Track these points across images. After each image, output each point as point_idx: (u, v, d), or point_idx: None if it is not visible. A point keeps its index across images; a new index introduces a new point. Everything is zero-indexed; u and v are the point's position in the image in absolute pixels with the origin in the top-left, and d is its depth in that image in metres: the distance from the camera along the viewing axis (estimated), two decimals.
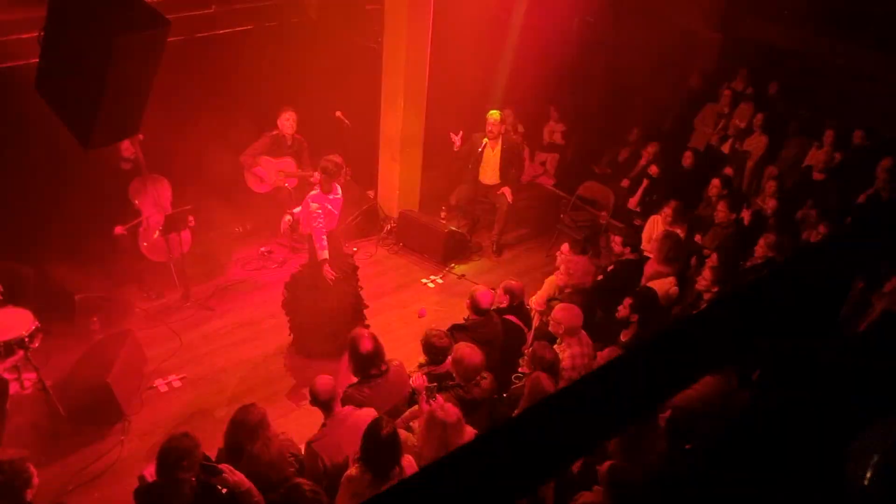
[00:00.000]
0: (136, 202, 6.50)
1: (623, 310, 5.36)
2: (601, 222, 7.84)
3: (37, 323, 5.08)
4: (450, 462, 0.98)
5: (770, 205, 7.06)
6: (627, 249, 6.32)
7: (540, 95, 9.40)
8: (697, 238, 6.84)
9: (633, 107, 9.49)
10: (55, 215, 6.34)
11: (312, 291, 6.01)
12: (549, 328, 5.25)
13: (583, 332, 5.19)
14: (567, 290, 6.02)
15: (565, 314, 5.15)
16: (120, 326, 6.13)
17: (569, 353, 5.02)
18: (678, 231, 6.42)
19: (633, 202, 8.04)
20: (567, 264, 6.09)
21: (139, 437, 5.35)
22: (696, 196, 7.57)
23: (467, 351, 4.59)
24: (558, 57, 9.18)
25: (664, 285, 5.85)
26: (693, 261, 6.51)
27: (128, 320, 6.38)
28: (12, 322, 5.04)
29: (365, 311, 6.47)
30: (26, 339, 4.97)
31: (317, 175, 5.98)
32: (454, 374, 4.60)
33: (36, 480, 3.68)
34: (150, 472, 3.91)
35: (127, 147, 6.34)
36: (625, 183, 8.37)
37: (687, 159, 7.95)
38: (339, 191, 5.94)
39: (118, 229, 6.38)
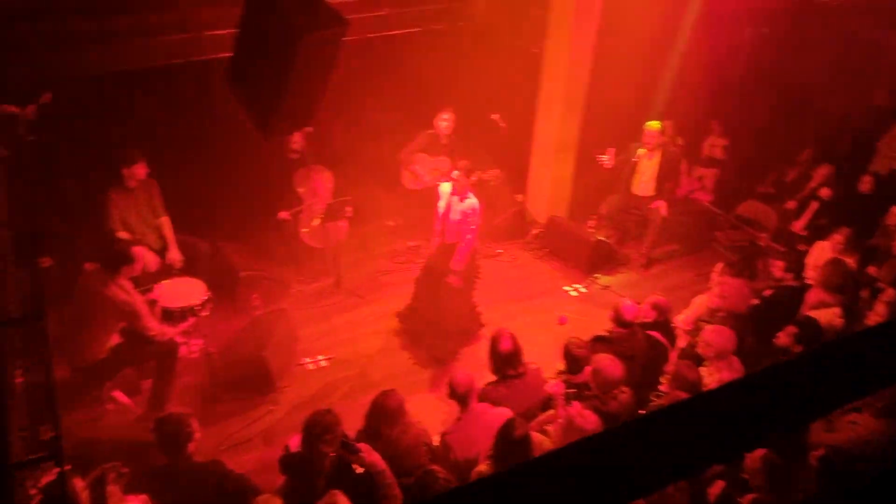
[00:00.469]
0: (300, 190, 6.93)
1: (785, 338, 5.05)
2: (760, 244, 7.42)
3: (208, 294, 5.55)
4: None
5: None
6: (790, 276, 5.95)
7: (703, 108, 9.03)
8: (871, 270, 6.31)
9: (805, 124, 8.89)
10: (229, 197, 6.91)
11: (436, 287, 6.23)
12: (698, 349, 5.05)
13: (734, 357, 4.95)
14: (719, 314, 5.75)
15: (717, 337, 4.93)
16: (277, 305, 6.56)
17: (717, 378, 4.81)
18: (849, 260, 5.96)
19: (798, 226, 7.54)
20: (721, 286, 5.83)
21: (287, 410, 5.70)
22: (872, 224, 6.98)
23: (607, 362, 4.53)
24: (726, 69, 8.77)
25: (827, 315, 5.45)
26: (865, 293, 6.02)
27: (284, 300, 6.81)
28: (188, 290, 5.56)
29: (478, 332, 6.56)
30: (198, 308, 5.45)
31: (462, 177, 6.07)
32: (592, 385, 4.55)
33: (197, 436, 4.04)
34: (294, 443, 4.17)
35: (296, 139, 6.78)
36: (790, 205, 7.87)
37: (865, 184, 7.35)
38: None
39: (282, 214, 6.84)
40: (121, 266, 4.94)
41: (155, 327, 5.11)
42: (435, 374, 6.17)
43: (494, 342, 4.71)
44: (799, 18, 9.03)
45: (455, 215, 6.08)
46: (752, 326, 5.65)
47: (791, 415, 1.13)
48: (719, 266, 6.30)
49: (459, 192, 6.03)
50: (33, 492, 2.64)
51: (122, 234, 5.90)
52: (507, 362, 4.68)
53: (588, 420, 3.99)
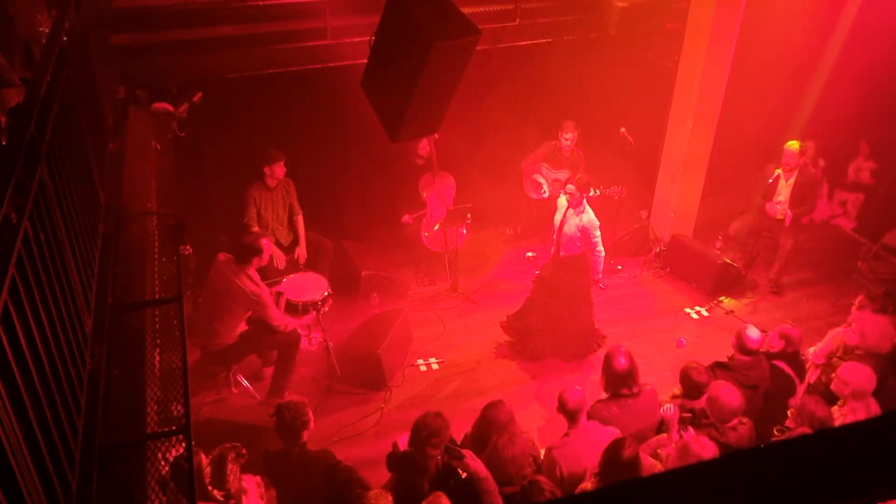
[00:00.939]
0: (424, 195, 7.08)
1: None
2: None
3: (329, 290, 5.78)
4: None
5: None
6: None
7: (850, 128, 8.46)
8: None
9: None
10: (355, 198, 7.16)
11: (547, 297, 6.23)
12: (832, 387, 4.72)
13: (872, 399, 4.60)
14: (857, 352, 5.35)
15: (855, 375, 4.59)
16: (395, 305, 6.73)
17: (851, 419, 4.48)
18: None
19: None
20: (861, 322, 5.41)
21: (397, 408, 5.83)
22: None
23: (725, 391, 4.33)
24: (880, 87, 8.18)
25: None
26: None
27: (402, 300, 6.98)
28: (311, 286, 5.81)
29: (602, 339, 6.51)
30: (320, 303, 5.69)
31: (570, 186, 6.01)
32: (708, 413, 4.36)
33: (312, 424, 4.20)
34: (402, 442, 4.26)
35: (423, 145, 6.94)
36: None
37: None
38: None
39: (406, 218, 7.02)
40: (251, 257, 5.23)
41: (278, 318, 5.37)
42: (544, 387, 6.11)
43: (609, 359, 4.61)
44: None
45: (570, 229, 6.02)
46: (894, 368, 5.23)
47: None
48: (860, 299, 5.85)
49: (574, 206, 5.96)
50: (163, 463, 2.85)
51: (256, 229, 6.26)
52: (621, 381, 4.57)
53: (706, 448, 3.82)
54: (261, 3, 6.00)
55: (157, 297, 3.46)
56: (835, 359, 5.31)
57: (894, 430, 1.07)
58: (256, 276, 5.30)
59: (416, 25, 3.76)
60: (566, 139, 7.22)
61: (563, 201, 6.10)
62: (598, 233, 6.06)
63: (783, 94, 8.20)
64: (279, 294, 5.63)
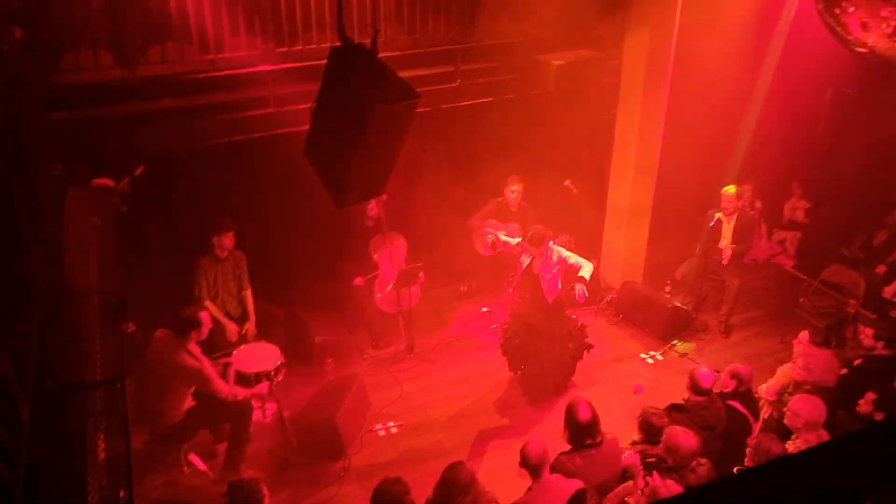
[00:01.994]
0: (375, 257, 7.07)
1: (865, 406, 4.75)
2: (849, 311, 7.06)
3: (282, 358, 5.67)
4: None
5: None
6: (881, 344, 5.62)
7: (783, 170, 8.82)
8: None
9: (893, 186, 8.55)
10: (305, 264, 7.11)
11: (528, 336, 6.35)
12: (785, 421, 4.80)
13: (823, 431, 4.67)
14: (805, 387, 5.46)
15: (806, 406, 4.68)
16: (350, 369, 6.63)
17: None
18: None
19: (889, 291, 7.17)
20: (806, 358, 5.55)
21: (357, 476, 5.68)
22: None
23: (682, 437, 4.34)
24: (806, 130, 8.58)
25: None
26: None
27: (357, 365, 6.89)
28: (263, 356, 5.68)
29: (568, 381, 6.64)
30: (272, 373, 5.56)
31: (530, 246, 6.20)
32: (666, 457, 4.37)
33: (268, 501, 4.06)
34: None
35: (372, 206, 6.97)
36: (880, 269, 7.52)
37: None
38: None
39: (357, 281, 6.98)
40: (189, 331, 5.10)
41: (225, 390, 5.23)
42: (506, 442, 6.05)
43: (571, 411, 4.58)
44: (881, 78, 8.79)
45: (548, 274, 6.19)
46: (842, 399, 5.34)
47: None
48: (804, 335, 6.01)
49: (535, 258, 6.13)
50: None
51: (208, 303, 6.14)
52: (585, 432, 4.55)
53: (673, 492, 3.81)
54: (201, 76, 6.03)
55: (98, 378, 3.35)
56: (786, 394, 5.41)
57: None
58: (197, 350, 5.16)
59: (355, 91, 3.82)
60: (512, 192, 7.36)
61: (525, 259, 6.28)
62: (570, 256, 6.18)
63: (717, 141, 8.53)
64: (227, 365, 5.50)
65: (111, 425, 3.19)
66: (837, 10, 5.03)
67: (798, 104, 8.50)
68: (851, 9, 4.71)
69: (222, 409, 5.30)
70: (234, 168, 6.55)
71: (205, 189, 6.50)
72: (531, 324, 6.37)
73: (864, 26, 4.87)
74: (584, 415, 4.51)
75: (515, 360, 6.64)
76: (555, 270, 6.19)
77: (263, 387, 5.59)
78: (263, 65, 6.17)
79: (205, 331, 5.21)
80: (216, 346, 6.03)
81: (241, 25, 6.05)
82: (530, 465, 4.26)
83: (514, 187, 7.36)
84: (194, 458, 5.56)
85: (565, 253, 6.19)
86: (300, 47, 6.27)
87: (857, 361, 5.66)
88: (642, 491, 4.25)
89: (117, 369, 3.23)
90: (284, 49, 6.26)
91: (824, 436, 4.65)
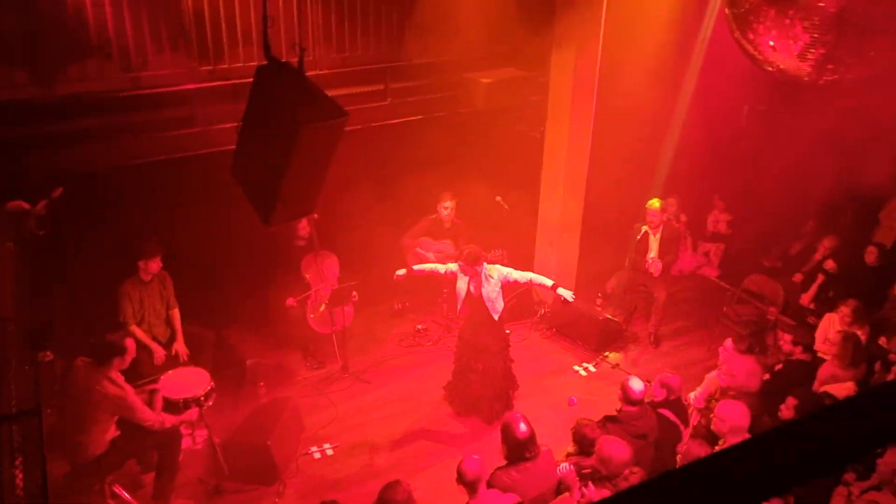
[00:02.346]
0: (307, 276, 6.98)
1: (787, 411, 4.94)
2: (769, 318, 7.36)
3: (212, 383, 5.52)
4: None
5: None
6: (799, 349, 5.88)
7: (705, 184, 9.16)
8: (882, 341, 6.22)
9: (808, 197, 8.97)
10: (235, 286, 6.97)
11: (478, 361, 6.32)
12: (712, 427, 4.94)
13: (748, 435, 4.83)
14: (731, 393, 5.65)
15: (730, 411, 4.83)
16: (283, 392, 6.50)
17: None
18: (859, 332, 5.89)
19: (806, 299, 7.50)
20: (730, 364, 5.74)
21: (293, 500, 5.56)
22: (880, 295, 6.93)
23: (614, 448, 4.41)
24: (725, 145, 8.94)
25: (842, 391, 5.35)
26: (878, 366, 5.92)
27: (290, 387, 6.76)
28: (192, 381, 5.52)
29: (514, 393, 6.59)
30: (202, 398, 5.41)
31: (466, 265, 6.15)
32: (599, 468, 4.43)
33: None
34: None
35: (303, 226, 6.89)
36: (797, 278, 7.86)
37: (870, 255, 7.35)
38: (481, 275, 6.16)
39: (290, 301, 6.87)
40: (111, 358, 4.91)
41: (150, 418, 5.05)
42: (442, 460, 6.03)
43: (509, 428, 4.59)
44: (794, 95, 9.25)
45: (489, 293, 6.11)
46: (765, 403, 5.54)
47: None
48: (728, 342, 6.24)
49: (473, 277, 6.08)
50: None
51: (133, 328, 5.94)
52: (523, 448, 4.57)
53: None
54: (123, 95, 5.86)
55: (13, 410, 3.19)
56: (713, 401, 5.57)
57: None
58: (119, 378, 4.96)
59: (282, 110, 3.79)
60: (445, 208, 7.40)
61: (462, 283, 6.21)
62: (512, 273, 6.14)
63: (643, 156, 8.80)
64: (153, 392, 5.32)
65: (29, 458, 3.04)
66: (750, 34, 5.27)
67: (717, 121, 8.86)
68: (761, 31, 4.95)
69: (149, 438, 5.11)
70: (160, 188, 6.39)
71: (129, 210, 6.32)
72: (479, 345, 6.34)
73: (774, 47, 5.11)
74: (522, 432, 4.53)
75: (464, 386, 6.55)
76: (498, 288, 6.19)
77: (193, 413, 5.42)
78: (188, 83, 6.06)
79: (128, 358, 5.02)
80: (142, 372, 5.84)
81: (165, 43, 5.93)
82: (467, 482, 4.26)
83: (447, 204, 7.41)
84: (119, 490, 5.33)
85: (505, 270, 6.15)
86: (226, 65, 6.19)
87: (777, 367, 5.89)
88: (578, 502, 4.30)
89: (34, 400, 3.08)
90: (210, 67, 6.16)
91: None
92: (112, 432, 5.04)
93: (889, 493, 4.17)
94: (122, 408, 4.93)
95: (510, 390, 6.66)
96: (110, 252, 6.22)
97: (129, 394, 4.96)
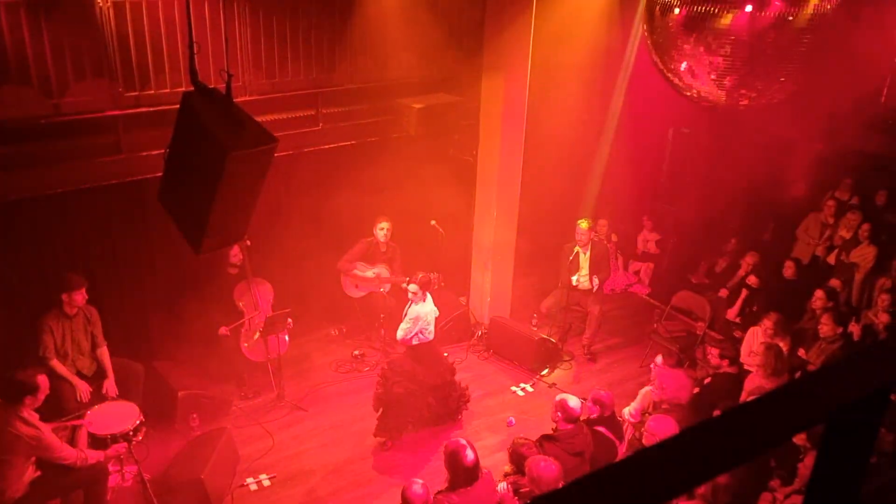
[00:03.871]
0: (241, 304, 6.85)
1: None
2: (697, 333, 7.60)
3: (141, 417, 5.34)
4: None
5: (882, 319, 6.68)
6: (725, 362, 6.07)
7: (634, 205, 9.44)
8: (801, 352, 6.50)
9: (730, 216, 9.35)
10: (165, 316, 6.78)
11: (414, 368, 6.32)
12: (643, 440, 5.06)
13: None
14: (664, 406, 5.80)
15: (660, 426, 4.96)
16: (217, 424, 6.34)
17: None
18: (781, 344, 6.14)
19: (731, 313, 7.78)
20: (661, 378, 5.90)
21: None
22: (800, 308, 7.25)
23: (543, 467, 4.45)
24: (652, 167, 9.26)
25: None
26: (798, 376, 6.17)
27: (225, 418, 6.59)
28: (120, 415, 5.33)
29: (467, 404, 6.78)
30: (131, 433, 5.22)
31: (413, 286, 6.27)
32: (531, 488, 4.48)
33: None
34: None
35: (235, 253, 6.77)
36: (723, 293, 8.15)
37: (788, 270, 7.69)
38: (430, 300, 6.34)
39: (223, 330, 6.72)
40: (23, 397, 4.68)
41: (71, 456, 4.82)
42: (382, 487, 5.98)
43: (456, 455, 4.53)
44: (715, 119, 9.65)
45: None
46: (695, 416, 5.70)
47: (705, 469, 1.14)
48: (659, 358, 6.41)
49: (421, 301, 6.30)
50: None
51: (55, 363, 5.71)
52: (468, 474, 4.55)
53: None
54: (43, 122, 5.68)
55: None
56: (647, 415, 5.70)
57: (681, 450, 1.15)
58: (33, 417, 4.72)
59: (209, 136, 3.74)
60: (381, 230, 7.41)
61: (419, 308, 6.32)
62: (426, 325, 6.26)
63: (573, 178, 9.01)
64: (75, 428, 5.10)
65: None
66: (670, 61, 5.48)
67: (644, 143, 9.16)
68: (678, 58, 5.16)
69: (71, 476, 4.89)
70: (85, 217, 6.19)
71: (52, 241, 6.10)
72: (414, 371, 6.34)
73: (693, 74, 5.33)
74: (469, 460, 4.51)
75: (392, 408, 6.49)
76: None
77: (121, 447, 5.23)
78: (112, 109, 5.91)
79: (41, 395, 4.78)
80: (67, 408, 5.61)
81: (87, 68, 5.78)
82: None
83: (383, 225, 7.41)
84: None
85: (424, 322, 6.37)
86: (152, 91, 6.06)
87: (707, 380, 6.08)
88: None
89: None
90: (135, 93, 6.03)
91: None
92: (31, 474, 4.81)
93: None
94: (38, 448, 4.71)
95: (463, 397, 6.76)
96: (31, 284, 5.99)
97: (45, 433, 4.73)
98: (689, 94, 5.31)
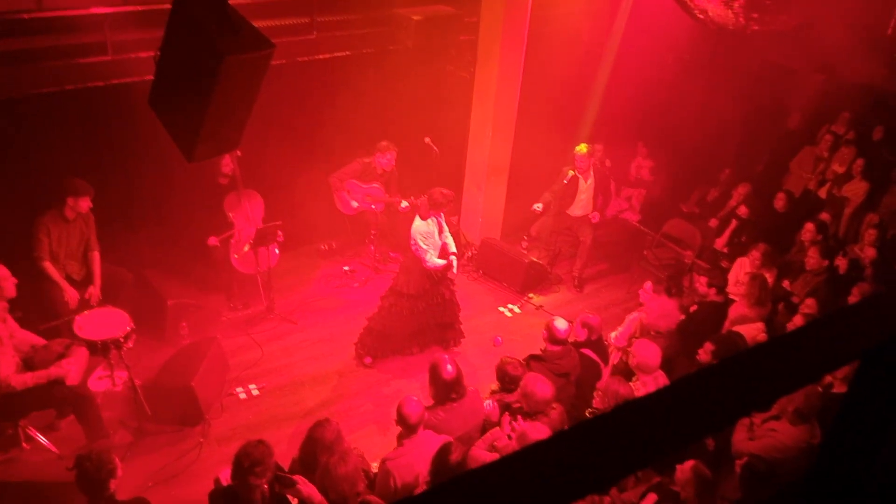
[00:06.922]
0: (231, 215, 6.78)
1: (704, 355, 5.19)
2: (686, 262, 7.65)
3: (131, 324, 5.35)
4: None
5: (868, 254, 6.73)
6: (712, 291, 6.14)
7: (629, 131, 9.32)
8: (786, 284, 6.58)
9: (725, 146, 9.28)
10: (156, 224, 6.71)
11: (410, 299, 6.25)
12: (630, 363, 5.17)
13: (660, 372, 5.06)
14: (652, 332, 5.88)
15: (641, 351, 5.06)
16: (207, 333, 6.37)
17: (642, 392, 4.90)
18: (767, 275, 6.20)
19: (720, 243, 7.82)
20: (648, 305, 5.97)
21: (217, 441, 5.53)
22: (788, 240, 7.30)
23: (537, 382, 4.55)
24: (650, 93, 9.09)
25: (752, 331, 5.64)
26: (780, 307, 6.26)
27: (214, 328, 6.63)
28: (110, 322, 5.33)
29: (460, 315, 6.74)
30: (121, 339, 5.24)
31: (416, 201, 6.14)
32: (523, 404, 4.57)
33: (120, 472, 3.86)
34: (225, 476, 4.03)
35: (226, 163, 6.65)
36: (713, 223, 8.17)
37: (779, 202, 7.69)
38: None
39: (212, 240, 6.67)
40: None
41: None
42: (369, 399, 6.10)
43: (436, 370, 4.64)
44: (717, 46, 9.44)
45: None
46: (681, 343, 5.80)
47: (705, 421, 1.14)
48: (648, 284, 6.47)
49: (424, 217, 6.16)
50: None
51: (46, 264, 5.65)
52: (450, 388, 4.65)
53: (542, 434, 3.99)
54: (26, 17, 5.43)
55: None
56: (633, 340, 5.79)
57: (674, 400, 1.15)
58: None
59: (204, 40, 3.58)
60: (386, 157, 7.30)
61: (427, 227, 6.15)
62: (421, 242, 6.07)
63: (571, 102, 8.85)
64: (69, 344, 5.11)
65: None
66: None
67: (643, 69, 8.96)
68: None
69: (57, 390, 4.93)
70: (70, 120, 6.01)
71: (36, 143, 5.93)
72: (413, 293, 6.27)
73: None
74: (448, 373, 4.60)
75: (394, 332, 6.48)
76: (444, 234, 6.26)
77: (112, 354, 5.25)
78: (98, 7, 5.65)
79: (7, 286, 4.78)
80: (56, 311, 5.60)
81: None
82: (410, 425, 4.28)
83: (390, 154, 7.31)
84: (34, 433, 5.18)
85: (418, 238, 6.12)
86: None
87: (693, 308, 6.16)
88: (510, 436, 4.42)
89: None
90: None
91: (661, 377, 5.04)
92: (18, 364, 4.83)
93: (786, 423, 4.47)
94: None
95: (457, 317, 6.71)
96: (15, 186, 5.86)
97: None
98: (700, 15, 5.16)
